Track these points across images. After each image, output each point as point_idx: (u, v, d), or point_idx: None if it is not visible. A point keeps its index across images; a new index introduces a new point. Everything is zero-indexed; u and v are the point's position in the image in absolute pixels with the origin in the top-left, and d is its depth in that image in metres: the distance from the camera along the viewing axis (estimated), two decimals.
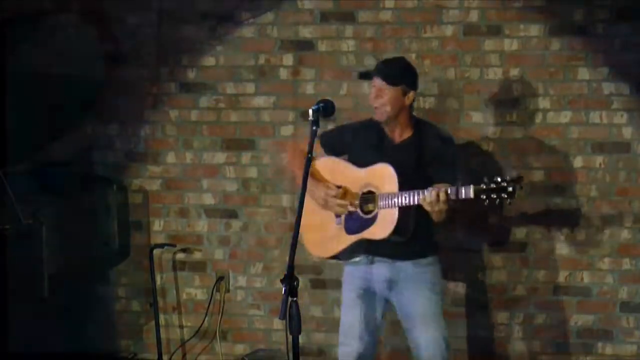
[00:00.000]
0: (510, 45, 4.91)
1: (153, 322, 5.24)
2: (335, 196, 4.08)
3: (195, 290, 5.31)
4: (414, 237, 3.97)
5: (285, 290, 3.21)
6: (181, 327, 5.33)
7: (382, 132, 4.10)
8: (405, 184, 3.89)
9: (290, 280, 3.22)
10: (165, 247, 5.26)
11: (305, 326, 4.36)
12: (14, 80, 5.24)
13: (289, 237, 4.08)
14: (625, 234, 4.86)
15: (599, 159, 4.87)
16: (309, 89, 5.12)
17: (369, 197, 4.01)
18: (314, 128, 3.54)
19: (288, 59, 5.14)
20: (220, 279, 5.24)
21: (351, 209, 4.06)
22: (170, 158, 5.30)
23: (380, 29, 5.03)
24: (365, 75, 4.37)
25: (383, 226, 3.94)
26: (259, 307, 5.24)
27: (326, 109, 3.63)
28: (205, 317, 5.24)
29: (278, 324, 5.14)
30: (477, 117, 4.96)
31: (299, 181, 3.72)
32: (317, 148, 4.09)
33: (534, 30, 4.89)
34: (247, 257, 5.24)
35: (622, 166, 4.86)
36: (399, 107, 4.02)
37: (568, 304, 4.91)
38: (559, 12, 4.86)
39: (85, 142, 5.36)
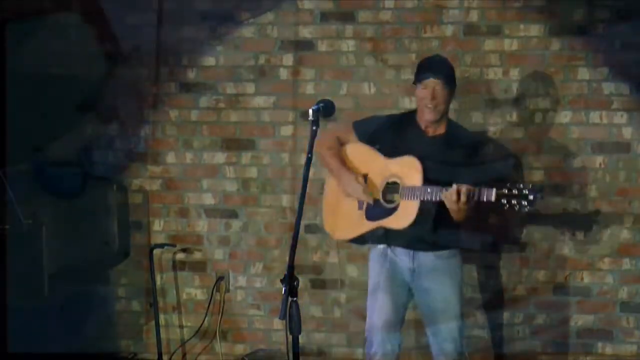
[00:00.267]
0: (510, 45, 4.92)
1: (153, 322, 5.24)
2: (360, 185, 4.14)
3: (195, 290, 5.31)
4: (434, 229, 4.05)
5: (285, 290, 3.21)
6: (181, 327, 5.33)
7: (418, 126, 4.18)
8: (430, 179, 3.96)
9: (290, 280, 3.22)
10: (165, 247, 5.26)
11: (305, 326, 4.35)
12: (14, 80, 5.22)
13: (289, 237, 4.08)
14: (625, 234, 4.86)
15: (599, 159, 4.87)
16: (309, 89, 5.12)
17: (392, 187, 4.08)
18: (314, 128, 3.54)
19: (288, 59, 5.14)
20: (220, 279, 5.24)
21: (371, 201, 4.13)
22: (170, 158, 5.30)
23: (380, 29, 5.03)
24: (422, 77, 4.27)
25: (403, 216, 4.02)
26: (259, 307, 5.24)
27: (326, 109, 3.61)
28: (205, 317, 5.24)
29: (278, 324, 5.14)
30: (477, 117, 4.97)
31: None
32: (350, 134, 4.28)
33: (534, 30, 4.89)
34: (247, 257, 5.24)
35: (622, 166, 4.86)
36: (448, 106, 4.16)
37: (568, 304, 4.91)
38: (559, 12, 4.86)
39: (85, 142, 5.36)
